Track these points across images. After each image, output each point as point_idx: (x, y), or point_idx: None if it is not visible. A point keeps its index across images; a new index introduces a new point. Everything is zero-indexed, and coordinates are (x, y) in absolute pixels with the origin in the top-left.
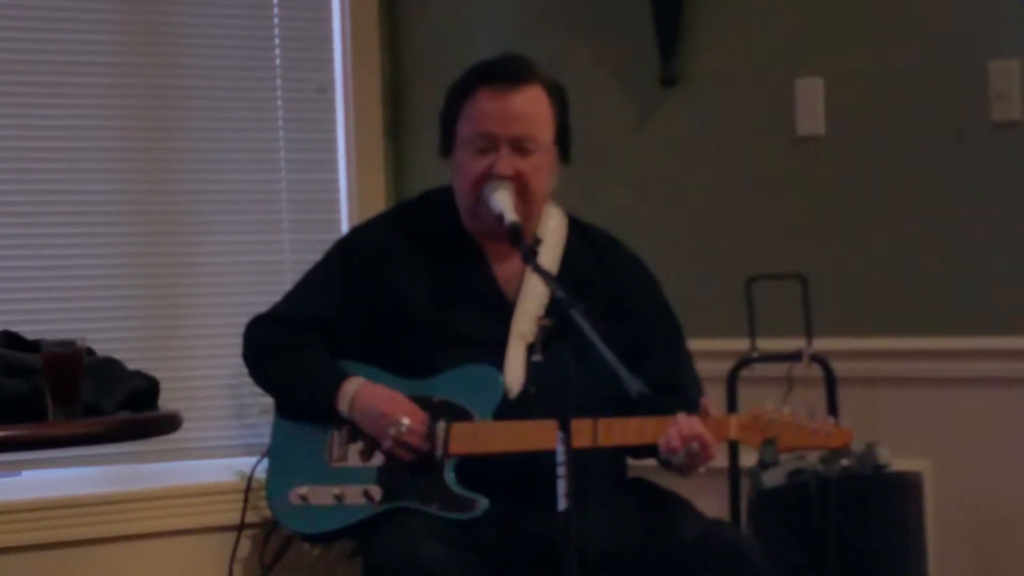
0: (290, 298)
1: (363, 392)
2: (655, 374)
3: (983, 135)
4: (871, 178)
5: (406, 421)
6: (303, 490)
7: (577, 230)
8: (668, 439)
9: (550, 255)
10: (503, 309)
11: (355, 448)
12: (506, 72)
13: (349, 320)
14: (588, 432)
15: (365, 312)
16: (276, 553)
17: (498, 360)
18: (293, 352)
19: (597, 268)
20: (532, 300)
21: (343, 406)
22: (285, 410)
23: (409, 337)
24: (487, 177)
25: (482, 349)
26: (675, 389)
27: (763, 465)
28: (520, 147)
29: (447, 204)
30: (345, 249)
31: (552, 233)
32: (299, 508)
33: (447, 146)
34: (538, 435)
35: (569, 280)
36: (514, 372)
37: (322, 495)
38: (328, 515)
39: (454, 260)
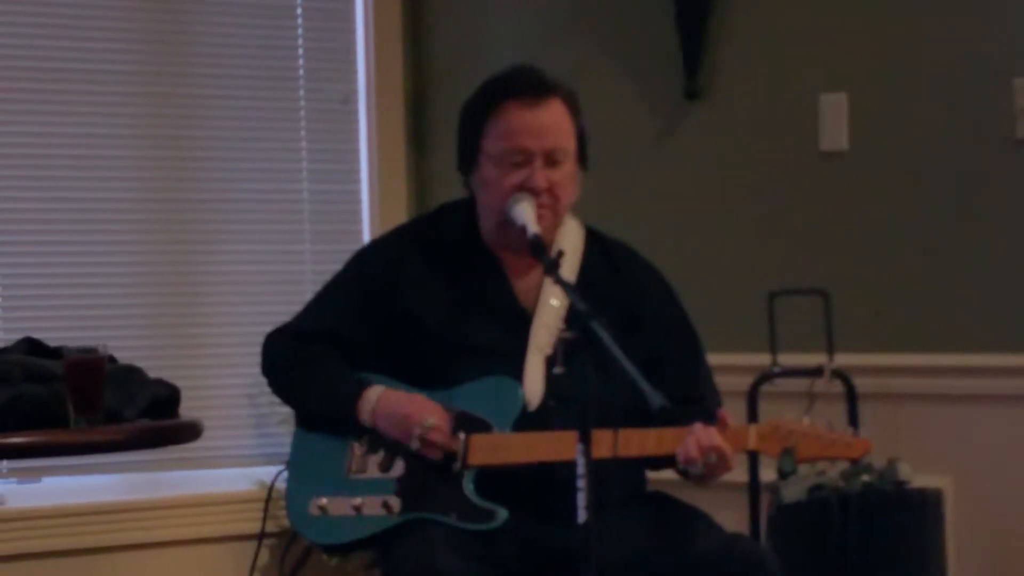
0: (307, 312)
1: (384, 398)
2: (674, 385)
3: (1007, 151)
4: (894, 194)
5: (431, 420)
6: (322, 501)
7: (594, 241)
8: (686, 450)
9: (568, 266)
10: (521, 321)
11: (374, 459)
12: (531, 85)
13: (367, 333)
14: (607, 443)
15: (383, 325)
16: (296, 563)
17: (517, 372)
18: (312, 365)
19: (614, 279)
20: (550, 312)
21: (365, 415)
22: (307, 422)
23: (427, 349)
24: (521, 191)
25: (500, 361)
26: (694, 400)
27: (781, 475)
28: (552, 159)
29: (464, 217)
30: (362, 262)
31: (570, 244)
32: (318, 519)
33: (468, 162)
34: (557, 446)
35: (586, 291)
36: (533, 384)
37: (341, 506)
38: (347, 526)
39: (472, 272)
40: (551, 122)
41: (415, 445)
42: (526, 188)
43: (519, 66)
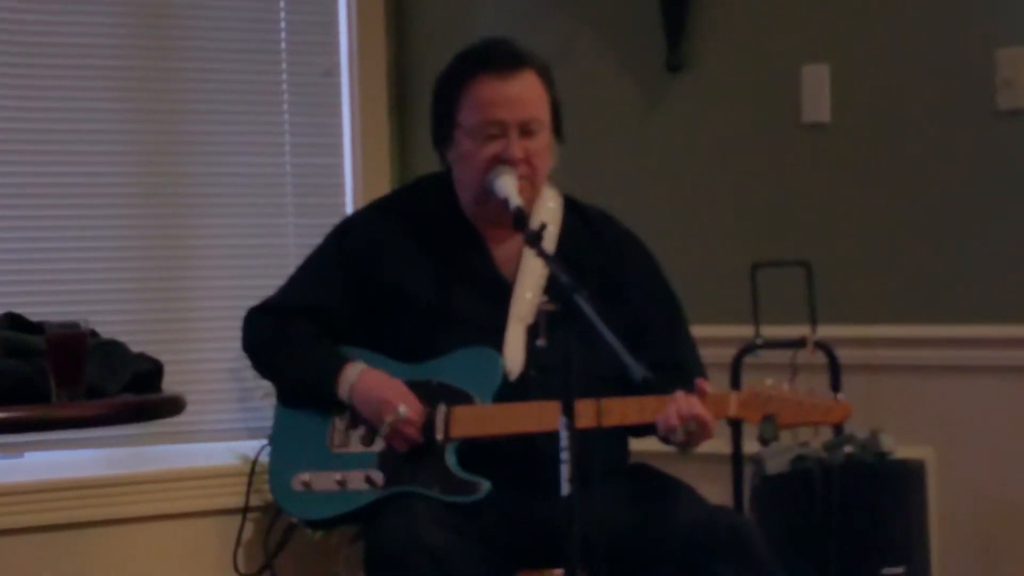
0: (288, 288)
1: (363, 378)
2: (655, 351)
3: (989, 123)
4: (876, 165)
5: (403, 409)
6: (305, 476)
7: (573, 210)
8: (666, 418)
9: (548, 237)
10: (501, 292)
11: (357, 434)
12: (503, 58)
13: (347, 307)
14: (589, 413)
15: (363, 299)
16: (281, 537)
17: (497, 343)
18: (292, 340)
19: (594, 247)
20: (530, 282)
21: (343, 391)
22: (288, 398)
23: (408, 322)
24: (497, 163)
25: (481, 332)
26: (675, 366)
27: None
28: (527, 130)
29: (442, 189)
30: (341, 237)
31: (549, 214)
32: (302, 494)
33: (443, 137)
34: (539, 417)
35: (566, 260)
36: (514, 354)
37: (324, 481)
38: (331, 501)
39: (451, 244)
40: (524, 93)
41: (385, 431)
42: (503, 160)
43: (490, 39)
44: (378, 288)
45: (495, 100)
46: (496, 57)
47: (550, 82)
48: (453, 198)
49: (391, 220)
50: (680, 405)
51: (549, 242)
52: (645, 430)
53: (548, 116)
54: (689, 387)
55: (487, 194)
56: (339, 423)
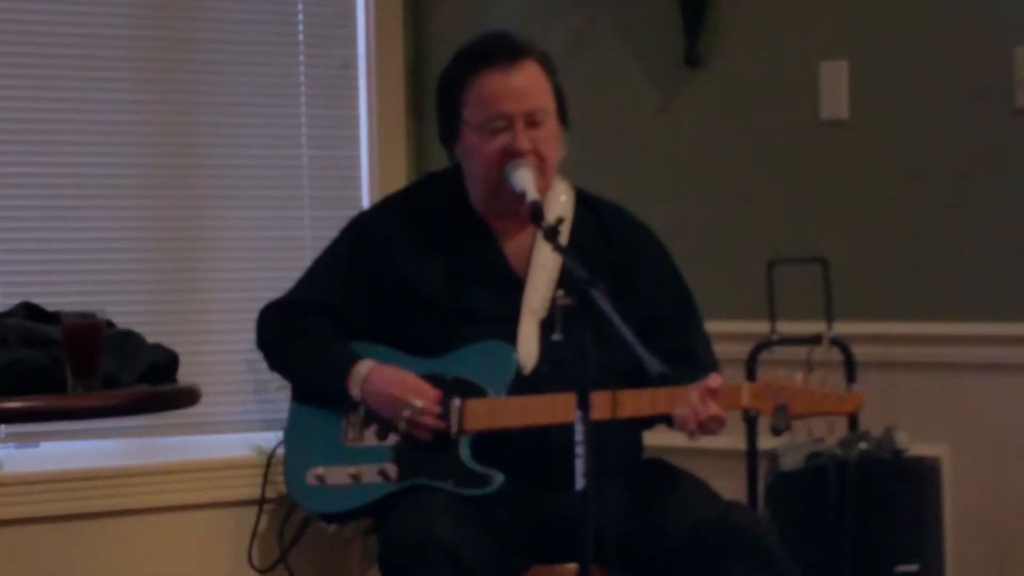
0: (301, 285)
1: (373, 376)
2: (669, 343)
3: (1007, 121)
4: (894, 162)
5: (419, 403)
6: (320, 471)
7: (585, 203)
8: (684, 423)
9: (562, 230)
10: (513, 285)
11: (370, 427)
12: (503, 50)
13: (360, 303)
14: (601, 405)
15: (376, 294)
16: (297, 530)
17: (510, 336)
18: (305, 337)
19: (606, 240)
20: (542, 275)
21: (354, 390)
22: (301, 395)
23: (421, 317)
24: (506, 155)
25: (494, 326)
26: (688, 357)
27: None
28: (532, 121)
29: (452, 185)
30: (353, 234)
31: (562, 207)
32: (316, 488)
33: (450, 134)
34: (553, 409)
35: (579, 254)
36: (527, 348)
37: (338, 475)
38: (345, 495)
39: (462, 239)
40: (527, 84)
41: (402, 427)
42: (511, 152)
43: (488, 33)
44: (390, 284)
45: (498, 93)
46: (496, 50)
47: (552, 70)
48: (463, 193)
49: (402, 216)
50: (698, 410)
51: (562, 235)
52: (656, 419)
53: (553, 105)
54: (701, 375)
55: (499, 188)
56: (353, 418)
